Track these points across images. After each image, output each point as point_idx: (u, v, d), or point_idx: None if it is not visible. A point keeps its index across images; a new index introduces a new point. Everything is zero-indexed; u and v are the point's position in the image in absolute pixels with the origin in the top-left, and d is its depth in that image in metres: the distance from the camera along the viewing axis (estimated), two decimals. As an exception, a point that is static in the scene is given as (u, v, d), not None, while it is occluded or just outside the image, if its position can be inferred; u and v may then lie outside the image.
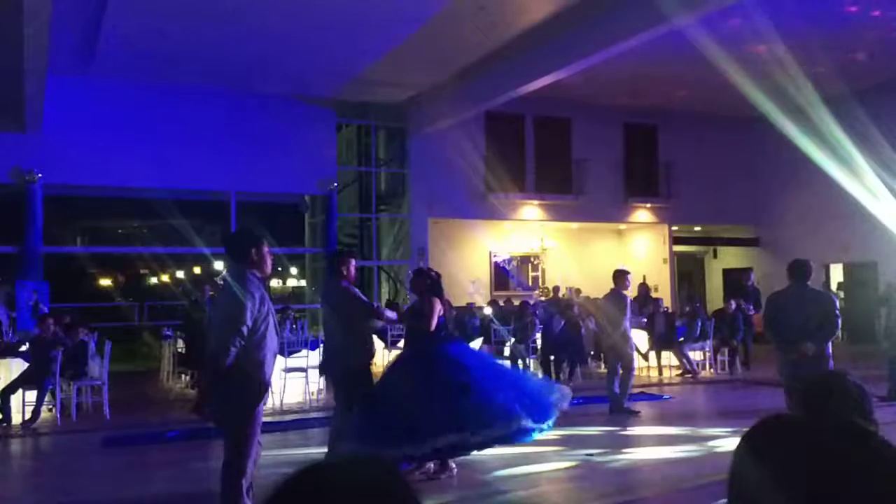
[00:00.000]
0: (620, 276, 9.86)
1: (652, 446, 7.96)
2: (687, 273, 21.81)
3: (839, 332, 6.66)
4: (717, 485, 6.14)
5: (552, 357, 12.68)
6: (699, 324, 13.36)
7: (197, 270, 22.20)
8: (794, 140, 15.29)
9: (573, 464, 7.09)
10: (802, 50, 13.15)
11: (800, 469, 0.90)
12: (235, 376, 4.44)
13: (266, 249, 4.74)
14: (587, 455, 7.32)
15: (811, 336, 6.30)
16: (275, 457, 7.57)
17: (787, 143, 15.75)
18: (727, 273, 20.95)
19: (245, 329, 4.42)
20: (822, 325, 6.37)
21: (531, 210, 18.67)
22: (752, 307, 13.78)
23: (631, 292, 10.56)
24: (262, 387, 4.64)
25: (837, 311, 6.51)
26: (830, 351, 6.53)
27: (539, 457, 7.09)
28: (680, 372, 13.31)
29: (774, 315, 6.58)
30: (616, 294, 9.79)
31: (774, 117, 14.81)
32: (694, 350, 13.45)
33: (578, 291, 17.10)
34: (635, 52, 12.42)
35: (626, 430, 8.80)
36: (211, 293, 12.88)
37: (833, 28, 13.26)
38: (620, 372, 9.68)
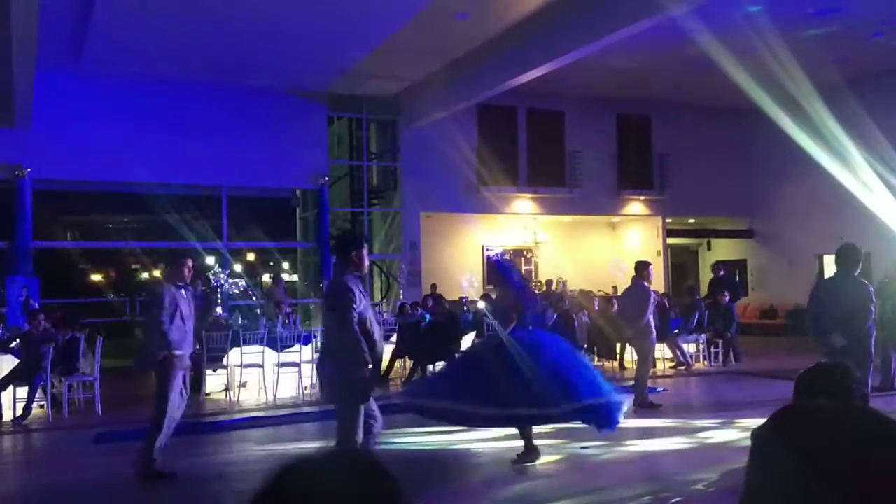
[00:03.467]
0: (642, 268, 9.58)
1: (646, 438, 7.93)
2: (681, 265, 21.84)
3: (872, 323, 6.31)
4: (712, 477, 6.13)
5: (546, 350, 12.64)
6: (697, 316, 13.38)
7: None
8: (788, 131, 15.29)
9: (566, 456, 7.07)
10: (796, 40, 13.13)
11: (829, 456, 0.87)
12: (352, 359, 5.22)
13: (364, 252, 5.55)
14: (581, 448, 7.30)
15: (840, 328, 6.09)
16: (267, 452, 7.54)
17: (782, 135, 15.75)
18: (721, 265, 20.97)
19: (354, 318, 5.19)
20: (853, 316, 6.13)
21: (524, 203, 18.64)
22: (727, 297, 13.82)
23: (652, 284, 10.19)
24: (375, 367, 5.49)
25: (873, 301, 6.24)
26: (873, 343, 6.29)
27: (533, 450, 7.06)
28: (674, 364, 13.32)
29: (812, 306, 6.40)
30: (639, 286, 9.53)
31: (768, 108, 14.81)
32: (688, 342, 13.46)
33: (563, 281, 17.11)
34: (628, 42, 12.39)
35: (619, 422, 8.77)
36: (203, 288, 12.81)
37: (828, 18, 13.25)
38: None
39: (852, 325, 6.15)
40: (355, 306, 5.20)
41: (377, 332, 5.47)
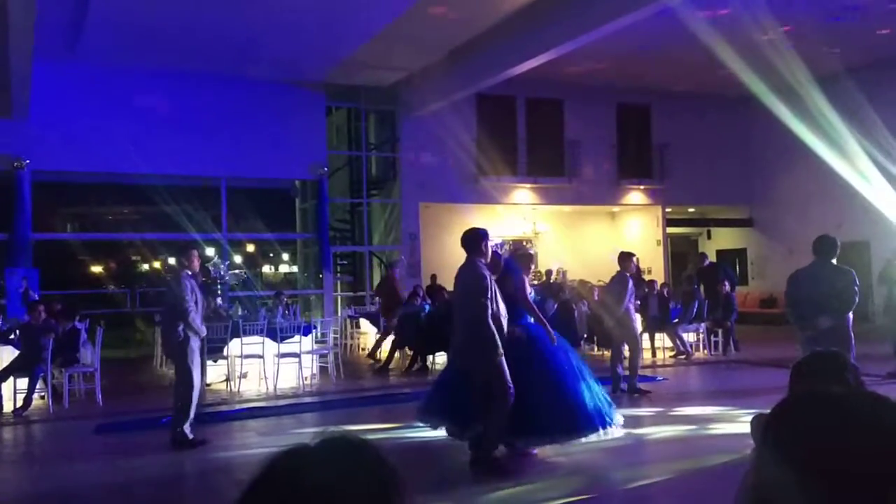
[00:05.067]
0: (626, 258, 9.85)
1: (645, 427, 7.95)
2: (681, 255, 21.84)
3: (854, 307, 6.52)
4: (708, 463, 6.15)
5: (546, 340, 12.66)
6: (696, 305, 13.39)
7: (188, 256, 22.08)
8: (788, 120, 15.27)
9: (566, 444, 7.07)
10: (795, 28, 13.10)
11: (847, 443, 0.85)
12: (488, 334, 5.94)
13: (489, 242, 6.35)
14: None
15: (826, 311, 6.24)
16: (268, 441, 7.55)
17: (781, 124, 15.73)
18: (721, 254, 20.97)
19: (488, 301, 5.97)
20: (838, 300, 6.30)
21: (523, 193, 18.61)
22: (727, 286, 13.81)
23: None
24: (502, 340, 6.07)
25: (857, 287, 6.44)
26: (851, 326, 6.45)
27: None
28: (673, 353, 13.33)
29: (792, 292, 6.55)
30: (620, 276, 9.81)
31: (767, 97, 14.78)
32: (688, 332, 13.47)
33: (563, 271, 17.11)
34: (628, 31, 12.34)
35: (618, 410, 8.78)
36: (204, 279, 12.80)
37: (825, 6, 13.20)
38: (627, 354, 9.73)
39: (837, 309, 6.32)
40: (489, 289, 6.01)
41: (502, 311, 6.19)
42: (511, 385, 6.01)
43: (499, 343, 6.00)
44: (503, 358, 6.02)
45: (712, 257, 21.19)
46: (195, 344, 7.35)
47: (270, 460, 0.84)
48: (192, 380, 7.28)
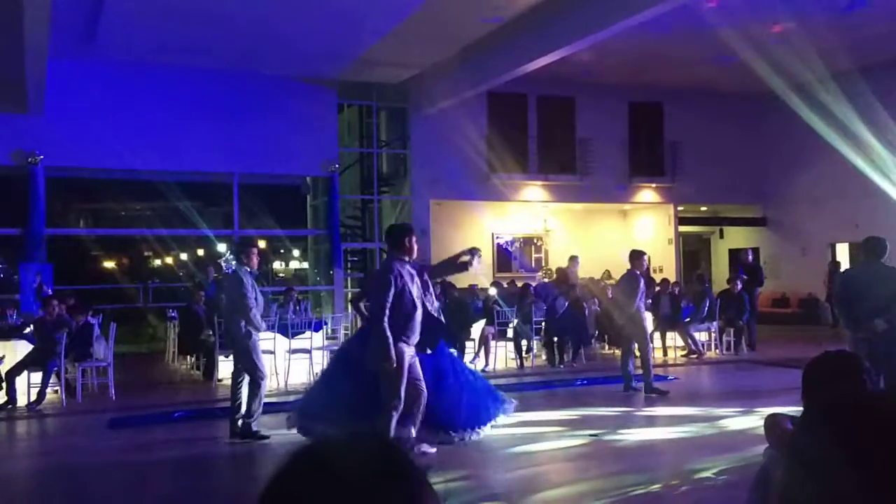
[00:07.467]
0: (636, 257, 9.83)
1: (657, 426, 7.95)
2: (693, 253, 21.75)
3: None
4: (721, 465, 6.13)
5: (556, 338, 12.68)
6: (707, 304, 13.33)
7: (200, 252, 22.18)
8: (801, 118, 15.18)
9: (577, 444, 7.08)
10: (809, 26, 13.03)
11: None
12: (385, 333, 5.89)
13: (414, 239, 6.23)
14: (591, 435, 7.31)
15: (882, 313, 6.13)
16: (280, 437, 7.59)
17: (794, 122, 15.65)
18: (734, 253, 20.88)
19: (388, 300, 5.91)
20: (893, 302, 6.17)
21: (534, 191, 18.58)
22: (739, 285, 13.66)
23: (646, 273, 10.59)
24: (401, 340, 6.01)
25: None
26: None
27: (543, 437, 7.08)
28: (685, 353, 13.30)
29: (845, 294, 6.44)
30: (631, 275, 9.79)
31: (781, 95, 14.70)
32: (699, 331, 13.42)
33: (574, 257, 17.07)
34: (640, 29, 12.30)
35: (630, 410, 8.79)
36: (215, 275, 12.88)
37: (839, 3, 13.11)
38: (637, 353, 9.71)
39: (893, 312, 6.16)
40: (392, 289, 5.93)
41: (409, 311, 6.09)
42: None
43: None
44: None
45: (725, 256, 21.15)
46: (257, 338, 7.46)
47: (292, 452, 0.85)
48: (262, 375, 7.37)
